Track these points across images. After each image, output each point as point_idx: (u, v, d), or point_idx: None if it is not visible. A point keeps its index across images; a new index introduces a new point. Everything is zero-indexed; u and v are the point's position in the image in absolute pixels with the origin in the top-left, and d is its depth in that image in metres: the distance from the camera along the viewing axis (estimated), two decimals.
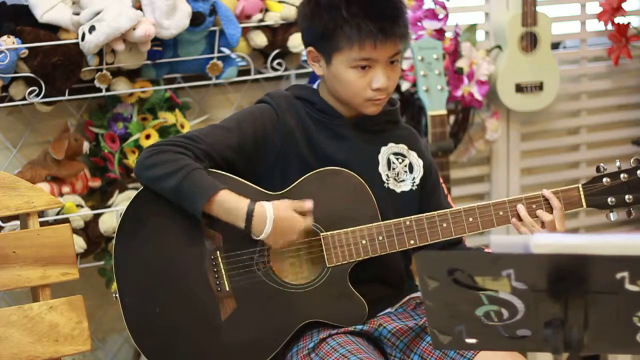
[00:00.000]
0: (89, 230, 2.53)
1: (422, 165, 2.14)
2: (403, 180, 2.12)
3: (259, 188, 2.01)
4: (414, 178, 2.13)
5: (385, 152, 2.11)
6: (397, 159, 2.12)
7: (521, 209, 2.04)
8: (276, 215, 1.91)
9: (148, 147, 2.00)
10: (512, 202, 2.05)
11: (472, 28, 3.06)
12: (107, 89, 2.51)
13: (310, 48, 2.06)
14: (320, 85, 2.11)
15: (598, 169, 2.07)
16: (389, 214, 2.05)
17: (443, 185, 2.26)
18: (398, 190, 2.11)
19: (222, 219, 1.94)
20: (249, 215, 1.90)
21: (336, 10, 1.97)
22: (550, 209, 2.05)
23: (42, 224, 2.09)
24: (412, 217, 2.03)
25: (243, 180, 2.01)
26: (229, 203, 1.92)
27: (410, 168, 2.13)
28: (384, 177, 2.10)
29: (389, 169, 2.11)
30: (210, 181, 1.92)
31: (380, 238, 2.02)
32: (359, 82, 2.00)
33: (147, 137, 2.55)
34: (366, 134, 2.10)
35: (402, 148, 2.14)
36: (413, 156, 2.14)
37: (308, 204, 1.95)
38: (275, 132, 2.04)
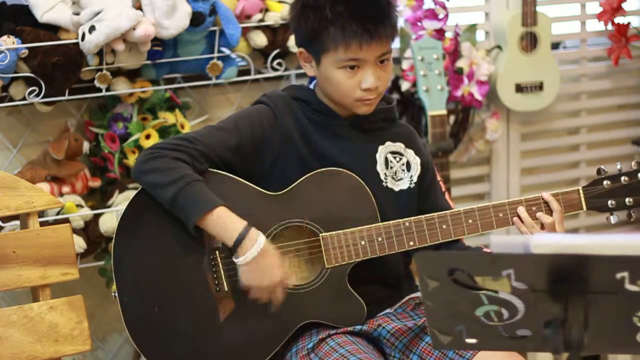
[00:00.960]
0: (89, 230, 2.53)
1: (420, 163, 2.14)
2: (401, 179, 2.11)
3: (258, 188, 2.01)
4: (411, 176, 2.12)
5: (383, 150, 2.11)
6: (395, 157, 2.12)
7: (521, 211, 2.04)
8: (264, 249, 1.89)
9: (146, 150, 1.99)
10: (512, 204, 2.05)
11: (472, 28, 3.06)
12: (107, 89, 2.50)
13: (300, 49, 2.06)
14: (317, 86, 2.10)
15: (599, 172, 2.07)
16: (387, 212, 2.05)
17: (441, 183, 2.26)
18: (396, 188, 2.10)
19: (213, 234, 1.92)
20: (244, 233, 1.88)
21: (321, 10, 1.97)
22: (550, 212, 2.05)
23: (42, 224, 2.09)
24: (412, 218, 2.03)
25: (243, 181, 2.00)
26: (227, 219, 1.90)
27: (408, 166, 2.13)
28: (382, 176, 2.10)
29: (386, 167, 2.10)
30: (207, 196, 1.91)
31: (380, 239, 2.02)
32: (347, 82, 1.99)
33: (147, 137, 2.55)
34: (363, 133, 2.10)
35: (399, 146, 2.13)
36: (410, 154, 2.14)
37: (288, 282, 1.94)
38: (273, 132, 2.04)
